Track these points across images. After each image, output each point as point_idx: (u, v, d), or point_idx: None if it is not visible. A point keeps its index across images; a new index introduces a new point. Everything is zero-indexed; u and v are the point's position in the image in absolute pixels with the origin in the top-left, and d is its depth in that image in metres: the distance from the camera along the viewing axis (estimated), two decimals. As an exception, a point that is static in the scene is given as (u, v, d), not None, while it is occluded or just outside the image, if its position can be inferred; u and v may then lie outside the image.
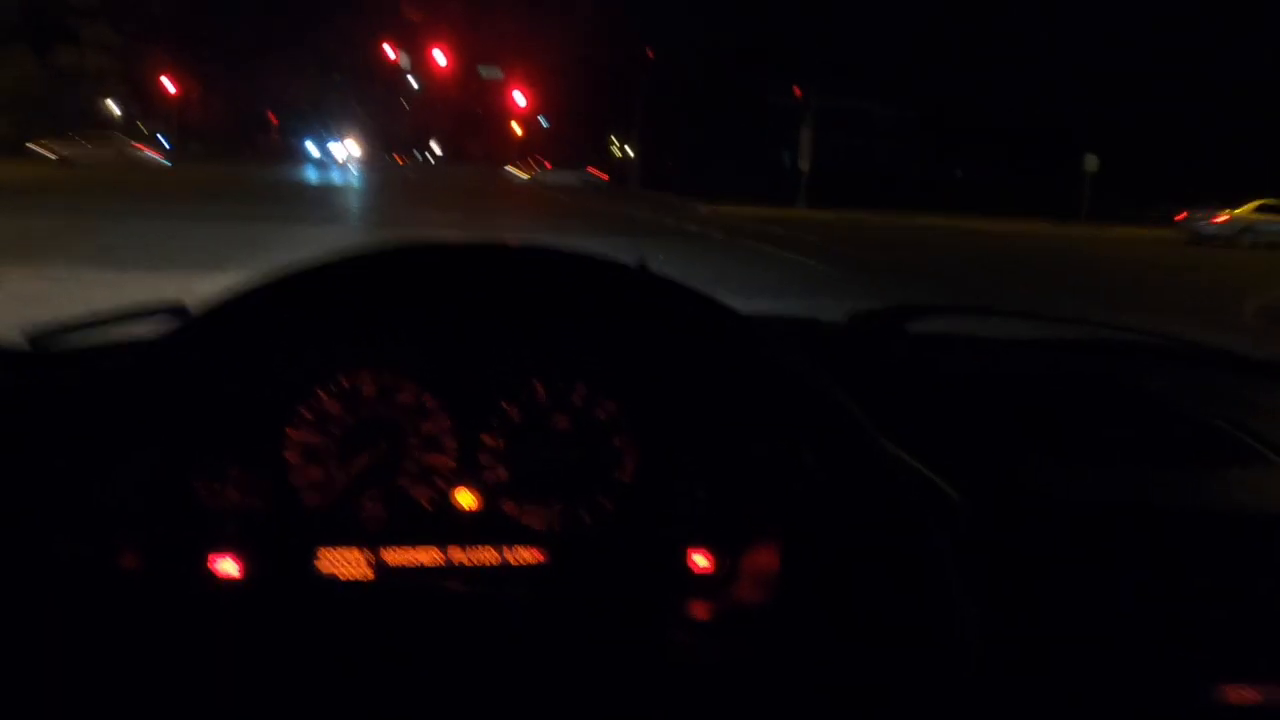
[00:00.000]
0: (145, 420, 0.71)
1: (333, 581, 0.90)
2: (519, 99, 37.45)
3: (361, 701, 0.76)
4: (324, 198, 20.84)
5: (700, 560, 0.95)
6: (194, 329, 0.69)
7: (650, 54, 31.55)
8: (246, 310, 0.69)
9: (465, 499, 0.93)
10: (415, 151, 74.78)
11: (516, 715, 0.77)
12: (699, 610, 0.92)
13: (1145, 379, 1.42)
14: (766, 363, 0.75)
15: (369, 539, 0.91)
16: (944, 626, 0.70)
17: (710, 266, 11.14)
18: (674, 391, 0.93)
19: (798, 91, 25.19)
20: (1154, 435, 1.24)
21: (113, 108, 40.33)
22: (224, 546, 0.88)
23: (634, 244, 13.02)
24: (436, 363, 0.93)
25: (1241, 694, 0.87)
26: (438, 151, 76.40)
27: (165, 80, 40.77)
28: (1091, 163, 25.91)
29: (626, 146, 36.30)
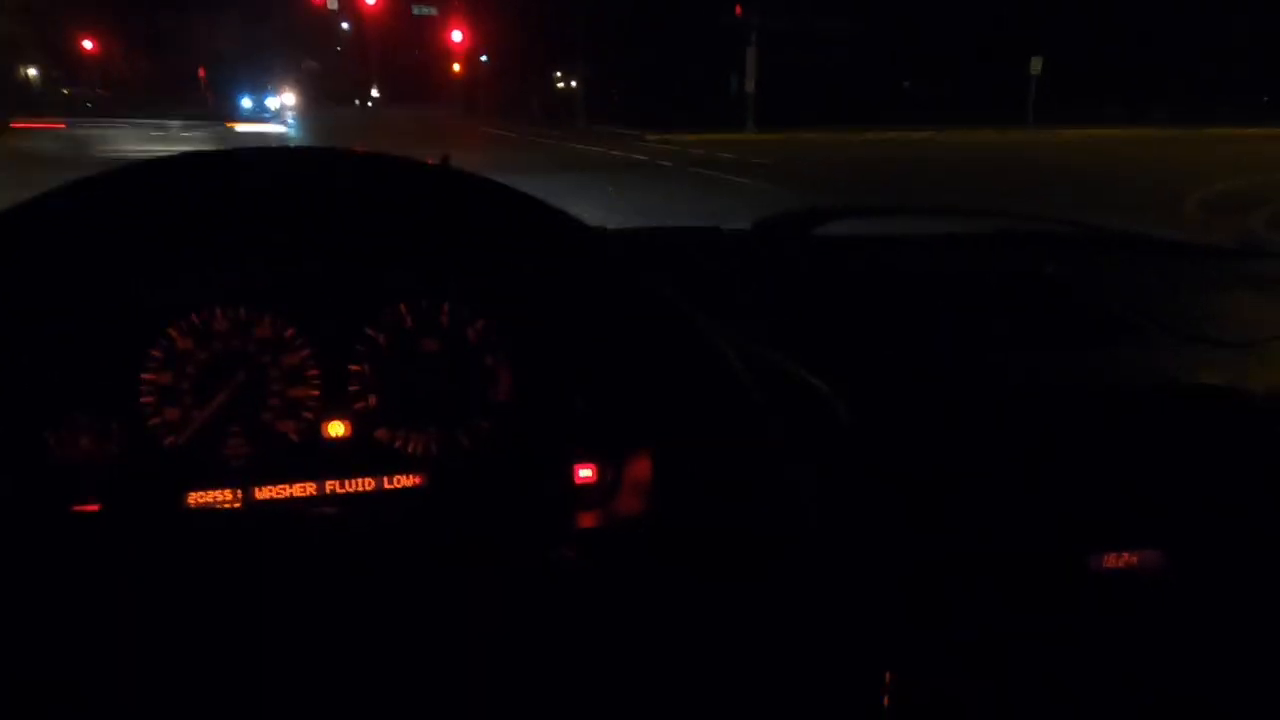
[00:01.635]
0: None
1: (199, 515, 0.87)
2: (456, 36, 36.41)
3: (238, 636, 0.74)
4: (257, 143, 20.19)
5: (584, 473, 0.94)
6: None
7: (587, -19, 30.73)
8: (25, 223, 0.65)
9: (335, 429, 0.90)
10: (353, 99, 72.83)
11: (402, 642, 0.76)
12: (585, 522, 0.91)
13: (1047, 266, 1.42)
14: (613, 276, 0.73)
15: (237, 477, 0.88)
16: (793, 531, 0.70)
17: (659, 194, 11.04)
18: (538, 306, 0.90)
19: (739, 11, 24.73)
20: (1050, 320, 1.24)
21: (31, 73, 38.65)
22: (85, 496, 0.85)
23: (585, 177, 12.86)
24: (292, 293, 0.89)
25: (1117, 560, 0.89)
26: (375, 96, 74.49)
27: (85, 41, 39.09)
28: (1036, 65, 25.84)
29: (570, 80, 35.59)
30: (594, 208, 9.49)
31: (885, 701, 0.84)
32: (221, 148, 0.70)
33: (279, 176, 0.72)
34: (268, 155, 0.70)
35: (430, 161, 0.76)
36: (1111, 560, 0.90)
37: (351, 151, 0.71)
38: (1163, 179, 12.15)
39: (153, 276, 0.85)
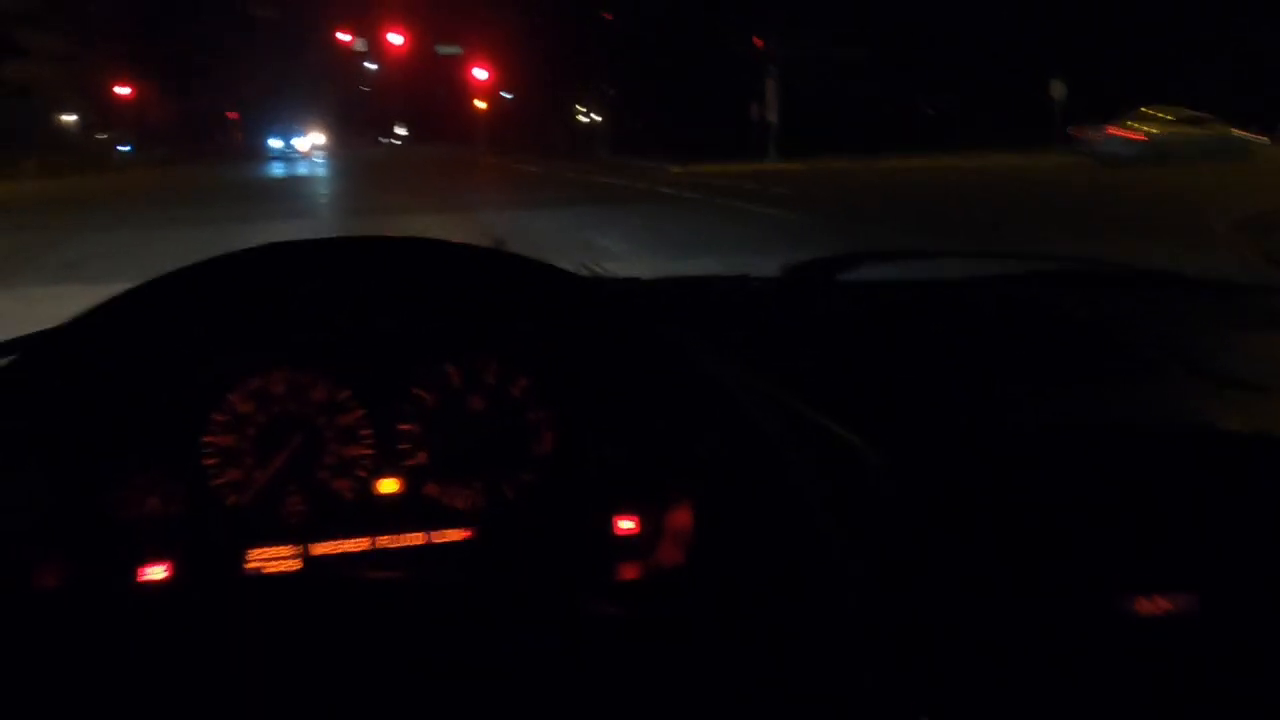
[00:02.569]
0: (24, 433, 0.71)
1: (262, 578, 0.91)
2: (479, 74, 37.02)
3: (301, 695, 0.77)
4: (292, 190, 20.64)
5: (624, 524, 0.97)
6: (54, 341, 0.70)
7: (609, 17, 31.18)
8: (107, 320, 0.70)
9: (387, 486, 0.94)
10: (379, 136, 74.08)
11: (454, 694, 0.79)
12: (626, 572, 0.94)
13: (1074, 305, 1.44)
14: (640, 333, 0.77)
15: (295, 535, 0.92)
16: (825, 582, 0.72)
17: (683, 227, 11.11)
18: (576, 364, 0.94)
19: (758, 42, 24.96)
20: (1080, 361, 1.26)
21: (68, 118, 39.72)
22: (150, 556, 0.89)
23: (607, 211, 12.98)
24: (345, 357, 0.94)
25: (1152, 604, 0.90)
26: (402, 133, 75.72)
27: (121, 87, 40.12)
28: (1058, 89, 25.79)
29: (593, 113, 35.99)
30: (621, 241, 9.58)
31: None
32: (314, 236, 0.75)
33: (340, 264, 0.77)
34: (332, 245, 0.75)
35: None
36: (1144, 605, 0.91)
37: (404, 239, 0.76)
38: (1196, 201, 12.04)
39: (219, 348, 0.89)
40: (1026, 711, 0.91)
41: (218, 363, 0.91)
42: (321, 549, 0.93)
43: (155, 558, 0.89)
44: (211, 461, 0.91)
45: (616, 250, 8.67)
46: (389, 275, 0.79)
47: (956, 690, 0.90)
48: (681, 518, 0.91)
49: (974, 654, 0.91)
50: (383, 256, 0.77)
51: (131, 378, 0.85)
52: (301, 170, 29.10)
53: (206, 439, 0.91)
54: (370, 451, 0.94)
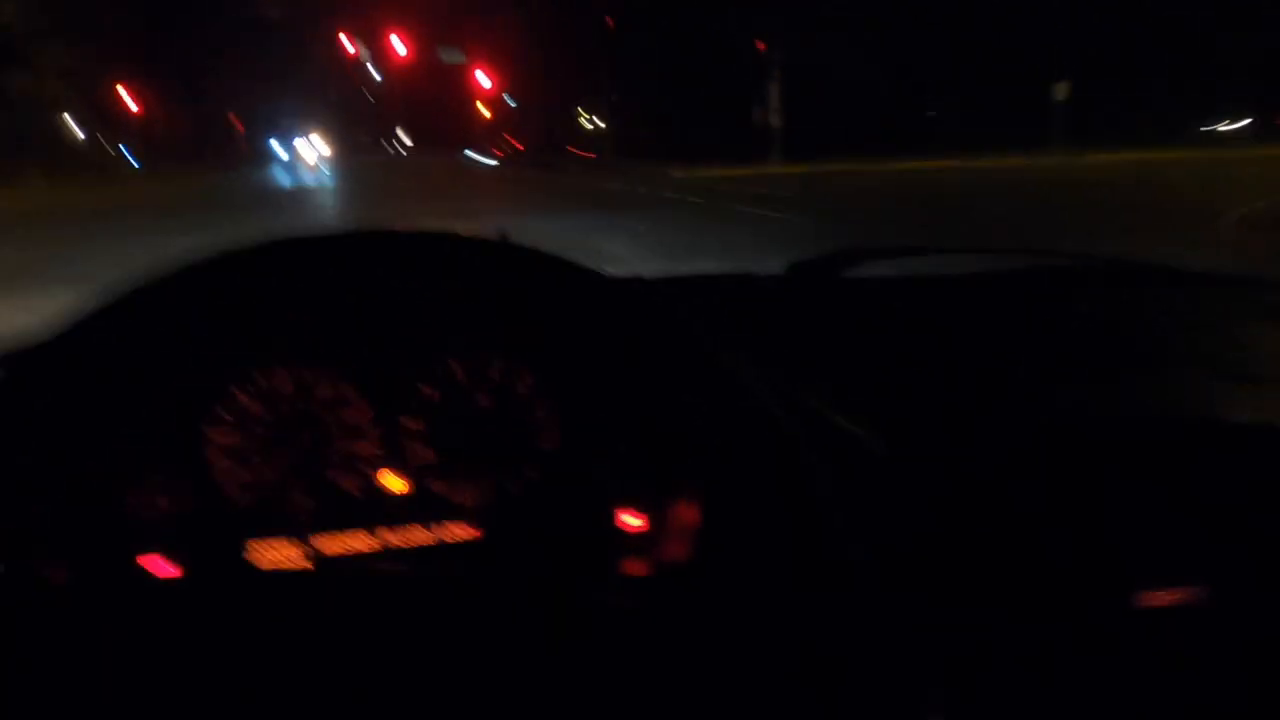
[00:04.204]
0: (32, 431, 0.72)
1: (268, 573, 0.91)
2: (483, 80, 37.11)
3: (307, 690, 0.77)
4: (297, 198, 20.69)
5: (630, 519, 0.97)
6: (60, 340, 0.70)
7: (610, 23, 31.24)
8: (113, 317, 0.70)
9: (393, 482, 0.94)
10: (383, 142, 74.22)
11: (463, 690, 0.79)
12: (633, 568, 0.94)
13: (1081, 300, 1.44)
14: (651, 326, 0.76)
15: (301, 530, 0.92)
16: (833, 576, 0.72)
17: (687, 230, 11.12)
18: (582, 359, 0.94)
19: (760, 45, 25.00)
20: (1086, 356, 1.26)
21: (75, 129, 39.93)
22: (158, 554, 0.89)
23: (610, 216, 12.99)
24: (350, 353, 0.94)
25: (1164, 597, 0.90)
26: (407, 141, 75.85)
27: (126, 97, 40.32)
28: (1061, 90, 25.76)
29: (595, 119, 36.02)
30: (626, 246, 9.58)
31: None
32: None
33: (345, 258, 0.77)
34: (337, 239, 0.75)
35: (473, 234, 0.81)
36: (1156, 599, 0.90)
37: (410, 231, 0.76)
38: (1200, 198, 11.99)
39: (224, 345, 0.90)
40: (1038, 709, 0.90)
41: (224, 359, 0.91)
42: (329, 546, 0.93)
43: (163, 556, 0.89)
44: (218, 459, 0.91)
45: (619, 254, 8.68)
46: (394, 268, 0.79)
47: (968, 688, 0.90)
48: (689, 513, 0.91)
49: (986, 651, 0.91)
50: (387, 249, 0.77)
51: (138, 375, 0.86)
52: (306, 179, 29.19)
53: (213, 436, 0.91)
54: (376, 448, 0.94)
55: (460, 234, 0.80)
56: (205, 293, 0.76)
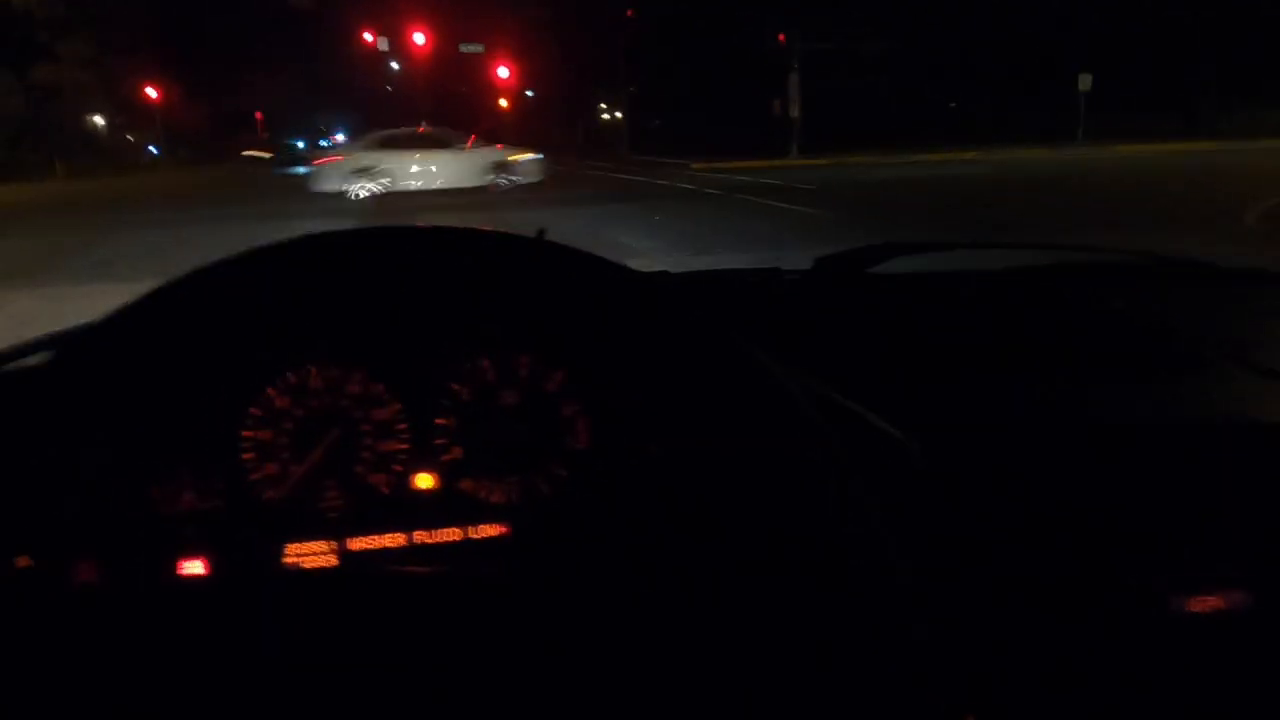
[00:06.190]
0: (63, 427, 0.72)
1: (300, 572, 0.91)
2: (502, 73, 37.09)
3: (338, 687, 0.77)
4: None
5: (660, 516, 0.96)
6: (92, 336, 0.70)
7: (630, 14, 31.16)
8: (145, 314, 0.70)
9: (423, 481, 0.94)
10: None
11: (491, 686, 0.78)
12: (663, 563, 0.93)
13: (1106, 297, 1.42)
14: (679, 323, 0.76)
15: (332, 529, 0.92)
16: (871, 574, 0.71)
17: (705, 222, 11.09)
18: (611, 357, 0.93)
19: (781, 38, 24.85)
20: (1121, 354, 1.24)
21: (98, 120, 40.30)
22: (188, 550, 0.89)
23: (630, 208, 12.98)
24: (381, 351, 0.93)
25: (1199, 601, 0.88)
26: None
27: (148, 89, 40.60)
28: (1085, 82, 25.49)
29: (616, 111, 35.97)
30: (647, 238, 9.56)
31: None
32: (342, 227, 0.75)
33: (375, 254, 0.76)
34: (367, 235, 0.75)
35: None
36: (1192, 601, 0.89)
37: (439, 228, 0.76)
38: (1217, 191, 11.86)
39: (255, 342, 0.90)
40: (1071, 709, 0.89)
41: (254, 357, 0.91)
42: (358, 544, 0.93)
43: (193, 552, 0.89)
44: (248, 456, 0.91)
45: (640, 247, 8.66)
46: (424, 265, 0.78)
47: (1001, 690, 0.89)
48: (722, 510, 0.90)
49: (1018, 654, 0.90)
50: (418, 246, 0.77)
51: (168, 372, 0.86)
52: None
53: (243, 433, 0.91)
54: (406, 446, 0.94)
55: (490, 231, 0.80)
56: (237, 288, 0.76)
